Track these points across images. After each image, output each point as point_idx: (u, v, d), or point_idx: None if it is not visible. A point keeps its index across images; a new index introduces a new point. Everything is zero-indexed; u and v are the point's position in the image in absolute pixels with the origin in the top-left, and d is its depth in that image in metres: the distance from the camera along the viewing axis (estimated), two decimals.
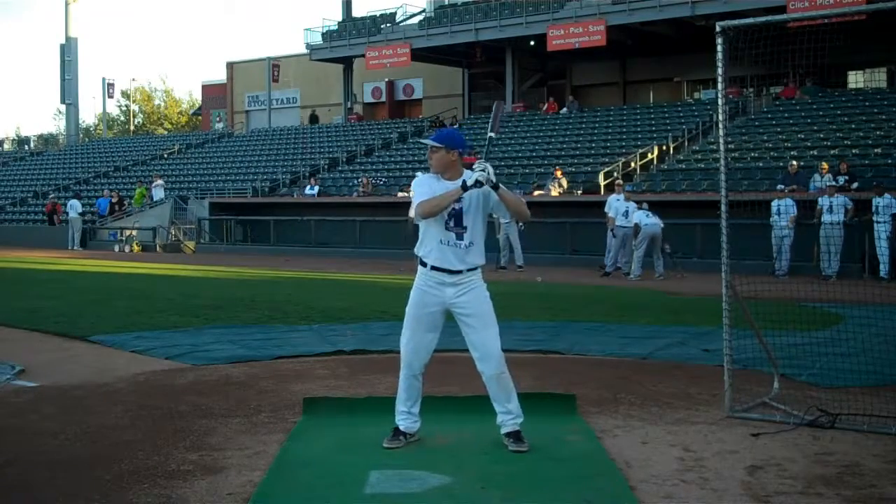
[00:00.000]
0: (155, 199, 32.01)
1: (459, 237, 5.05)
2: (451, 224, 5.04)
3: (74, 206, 30.49)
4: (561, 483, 4.58)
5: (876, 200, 16.72)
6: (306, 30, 39.75)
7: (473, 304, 5.05)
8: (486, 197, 5.06)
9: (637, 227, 17.15)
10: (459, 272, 5.05)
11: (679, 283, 16.06)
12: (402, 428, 5.18)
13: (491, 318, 5.07)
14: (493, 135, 5.35)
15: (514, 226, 19.36)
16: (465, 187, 4.92)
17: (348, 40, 36.90)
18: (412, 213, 5.11)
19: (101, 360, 8.25)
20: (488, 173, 4.89)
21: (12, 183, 41.03)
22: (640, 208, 17.43)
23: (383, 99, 42.01)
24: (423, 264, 5.12)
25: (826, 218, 16.64)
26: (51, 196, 34.59)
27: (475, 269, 5.10)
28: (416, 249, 5.18)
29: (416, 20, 37.34)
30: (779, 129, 24.77)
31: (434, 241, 5.07)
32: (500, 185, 5.02)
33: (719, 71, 5.94)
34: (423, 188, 5.08)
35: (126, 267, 21.31)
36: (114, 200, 31.93)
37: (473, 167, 4.96)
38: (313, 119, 40.91)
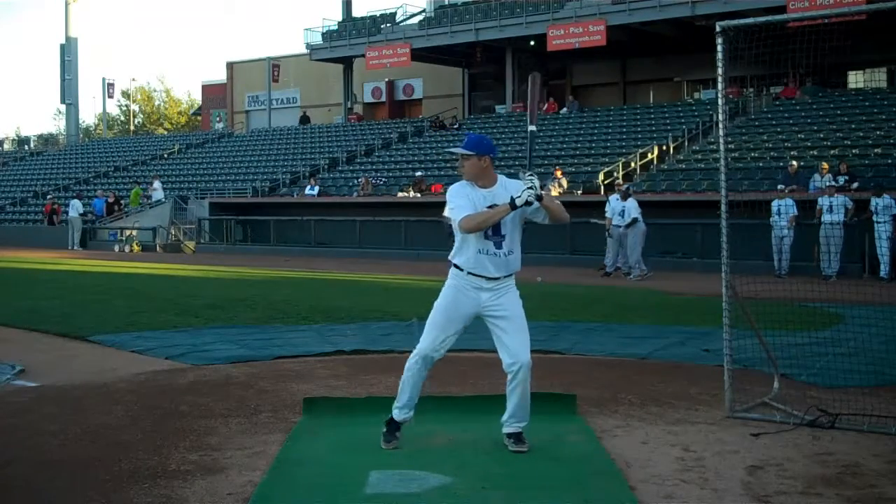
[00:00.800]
0: (154, 200, 32.00)
1: (498, 245, 5.00)
2: (491, 233, 4.98)
3: (75, 206, 30.49)
4: (561, 483, 4.58)
5: (875, 201, 16.72)
6: (306, 30, 39.81)
7: (507, 307, 5.03)
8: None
9: (633, 222, 17.20)
10: (497, 279, 5.02)
11: (679, 283, 16.05)
12: (398, 419, 5.14)
13: (523, 322, 5.05)
14: (533, 128, 5.21)
15: None
16: (513, 206, 4.85)
17: (348, 40, 36.90)
18: (447, 213, 5.03)
19: (101, 360, 8.25)
20: (536, 189, 4.82)
21: (12, 183, 41.03)
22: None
23: (383, 99, 42.01)
24: (459, 268, 5.07)
25: (826, 218, 16.64)
26: (49, 196, 34.58)
27: (511, 274, 5.08)
28: (451, 256, 5.12)
29: (416, 20, 37.34)
30: (779, 129, 24.76)
31: (472, 250, 5.01)
32: (543, 194, 4.94)
33: (719, 71, 5.94)
34: (462, 200, 5.00)
35: (126, 267, 21.31)
36: (110, 200, 31.91)
37: (521, 178, 4.88)
38: (304, 120, 41.00)
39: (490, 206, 4.97)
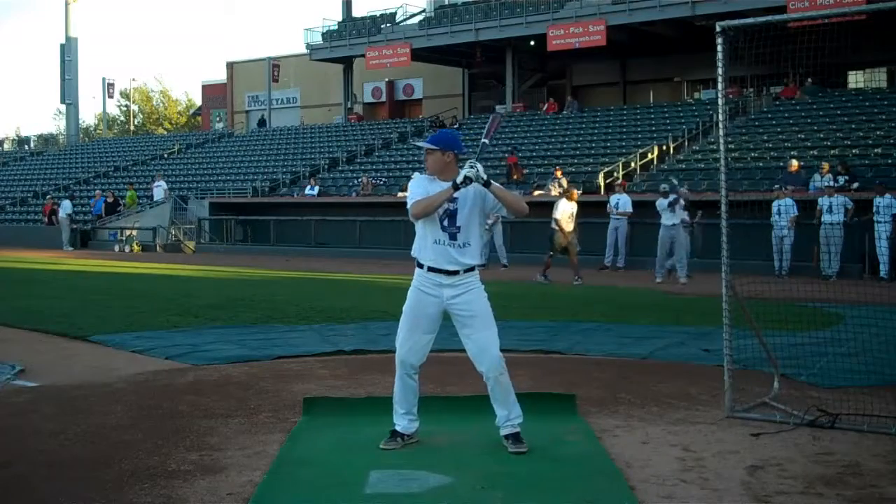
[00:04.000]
0: (155, 199, 31.99)
1: (453, 237, 5.03)
2: (446, 223, 5.03)
3: (65, 207, 30.54)
4: (561, 483, 4.58)
5: (877, 200, 16.72)
6: (306, 30, 39.83)
7: (471, 305, 5.04)
8: (483, 197, 5.04)
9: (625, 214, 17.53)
10: (456, 273, 5.03)
11: (678, 283, 16.04)
12: (398, 429, 5.16)
13: (489, 318, 5.05)
14: (486, 141, 5.31)
15: (500, 226, 19.54)
16: (455, 186, 4.92)
17: (348, 40, 36.90)
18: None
19: (101, 360, 8.25)
20: (477, 170, 4.89)
21: (12, 183, 41.02)
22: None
23: (383, 99, 42.02)
24: (420, 266, 5.11)
25: (826, 218, 16.64)
26: (49, 196, 34.56)
27: (472, 269, 5.08)
28: (413, 251, 5.17)
29: (416, 20, 37.34)
30: (779, 129, 24.76)
31: (429, 241, 5.06)
32: (492, 181, 5.00)
33: (719, 71, 5.94)
34: (418, 189, 5.09)
35: (126, 267, 21.31)
36: (109, 200, 31.92)
37: (461, 166, 4.98)
38: (261, 123, 41.80)
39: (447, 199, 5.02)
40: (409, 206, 5.07)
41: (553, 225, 16.15)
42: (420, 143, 5.26)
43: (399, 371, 5.14)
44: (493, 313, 5.10)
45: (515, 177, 24.81)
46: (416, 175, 5.28)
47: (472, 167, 4.90)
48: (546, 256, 16.66)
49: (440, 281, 5.04)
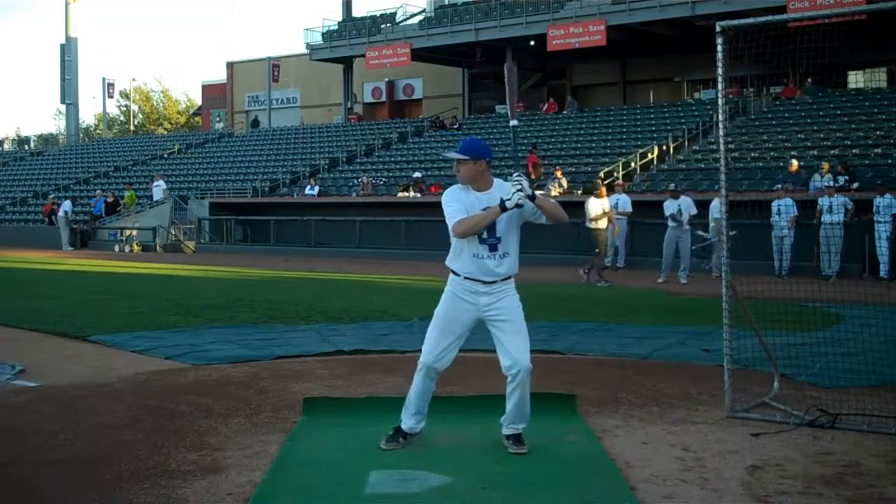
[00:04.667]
0: (154, 199, 32.00)
1: (493, 248, 4.98)
2: (485, 235, 4.97)
3: (64, 207, 30.57)
4: (561, 483, 4.58)
5: (877, 200, 16.72)
6: (306, 30, 39.83)
7: (506, 311, 5.01)
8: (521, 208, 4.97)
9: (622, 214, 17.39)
10: (493, 282, 5.00)
11: (679, 283, 16.04)
12: (405, 428, 5.14)
13: (523, 325, 5.03)
14: (515, 123, 5.20)
15: None
16: (503, 208, 4.85)
17: (348, 40, 36.90)
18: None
19: (101, 360, 8.25)
20: (524, 190, 4.82)
21: (12, 183, 41.01)
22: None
23: (383, 99, 42.02)
24: (456, 273, 5.06)
25: (826, 218, 16.63)
26: (51, 196, 34.56)
27: (509, 277, 5.06)
28: (448, 261, 5.11)
29: (416, 20, 37.34)
30: (779, 129, 24.76)
31: (467, 254, 5.00)
32: (537, 194, 4.94)
33: (719, 71, 5.94)
34: (456, 204, 4.99)
35: (126, 267, 21.31)
36: (109, 200, 31.93)
37: (510, 180, 4.88)
38: (255, 123, 41.79)
39: (483, 209, 4.95)
40: (450, 225, 4.96)
41: (589, 224, 15.90)
42: (451, 155, 5.11)
43: (422, 373, 5.09)
44: (525, 320, 5.07)
45: (533, 176, 24.53)
46: (448, 190, 5.10)
47: (519, 189, 4.81)
48: (593, 259, 16.34)
49: (477, 289, 5.00)
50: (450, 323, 5.05)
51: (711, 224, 16.54)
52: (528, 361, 4.97)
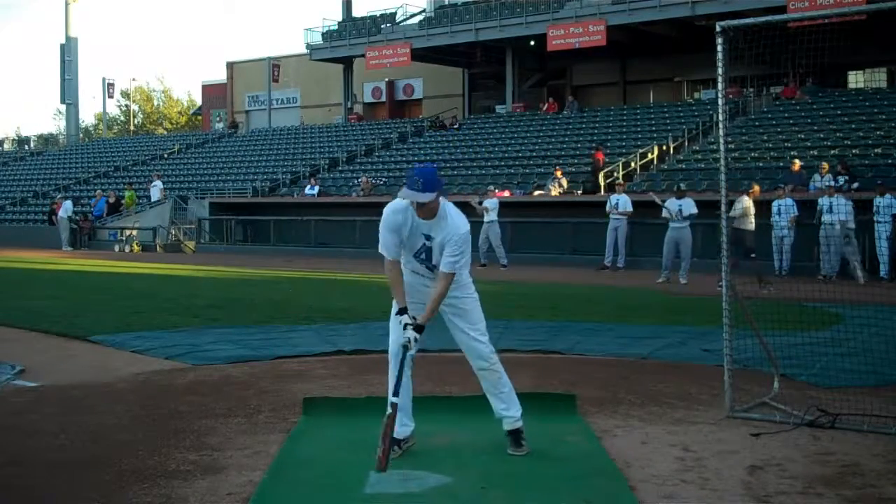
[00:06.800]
0: (153, 200, 32.00)
1: (430, 269, 5.02)
2: (423, 256, 5.00)
3: (66, 208, 30.58)
4: (561, 483, 4.58)
5: (877, 200, 16.72)
6: (306, 30, 39.78)
7: (459, 302, 5.04)
8: (443, 243, 4.90)
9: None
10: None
11: (679, 283, 16.03)
12: (397, 435, 5.01)
13: (476, 314, 5.06)
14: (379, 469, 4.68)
15: (496, 226, 19.55)
16: (399, 313, 4.91)
17: (348, 40, 36.90)
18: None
19: (101, 360, 8.25)
20: (412, 341, 4.83)
21: (12, 183, 41.01)
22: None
23: (383, 99, 42.01)
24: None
25: (826, 218, 16.63)
26: (59, 196, 34.45)
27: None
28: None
29: (416, 20, 37.34)
30: (779, 129, 24.76)
31: (406, 269, 5.07)
32: (416, 330, 4.86)
33: (719, 71, 5.94)
34: (385, 235, 4.93)
35: (126, 267, 21.31)
36: (111, 200, 31.94)
37: (406, 334, 4.84)
38: (233, 125, 42.11)
39: (426, 236, 4.89)
40: (382, 251, 4.96)
41: (740, 225, 14.92)
42: (423, 199, 4.77)
43: (393, 362, 5.07)
44: (482, 309, 5.10)
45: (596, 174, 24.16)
46: (390, 207, 4.97)
47: (408, 335, 4.82)
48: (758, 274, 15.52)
49: (426, 283, 5.03)
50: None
51: (836, 227, 16.22)
52: (486, 347, 5.02)
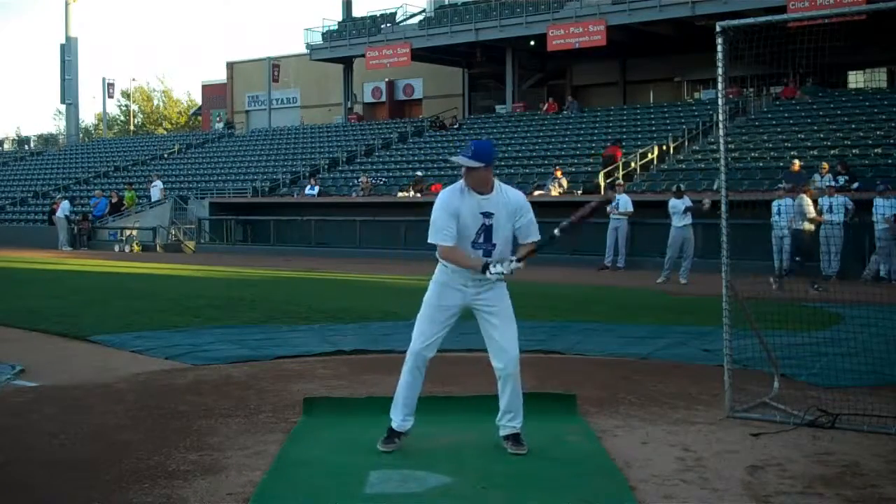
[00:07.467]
0: (153, 200, 32.00)
1: (488, 254, 4.94)
2: (481, 240, 4.93)
3: (63, 208, 30.59)
4: (561, 483, 4.58)
5: (877, 200, 16.70)
6: (306, 30, 39.80)
7: (495, 301, 5.01)
8: (514, 213, 4.93)
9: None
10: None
11: (679, 282, 16.02)
12: (397, 427, 5.10)
13: (511, 316, 5.05)
14: (557, 232, 5.02)
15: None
16: (484, 270, 4.85)
17: (348, 40, 36.91)
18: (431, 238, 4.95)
19: (101, 360, 8.25)
20: (510, 272, 4.84)
21: (12, 183, 41.02)
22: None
23: (383, 99, 42.02)
24: (445, 265, 5.04)
25: (826, 218, 16.61)
26: (60, 196, 34.46)
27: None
28: (438, 255, 5.05)
29: (416, 20, 37.35)
30: (779, 129, 24.76)
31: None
32: (520, 266, 4.91)
33: (719, 71, 5.94)
34: (444, 215, 4.89)
35: (126, 267, 21.31)
36: (113, 201, 31.95)
37: (508, 264, 4.84)
38: (229, 125, 42.37)
39: (483, 213, 4.89)
40: (434, 239, 4.92)
41: (801, 225, 14.78)
42: (464, 161, 4.85)
43: (410, 363, 5.05)
44: (514, 312, 5.07)
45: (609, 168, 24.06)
46: (444, 192, 4.96)
47: (507, 270, 4.83)
48: (795, 266, 15.00)
49: (466, 282, 4.99)
50: (438, 310, 5.03)
51: (883, 225, 16.12)
52: (517, 353, 4.99)
